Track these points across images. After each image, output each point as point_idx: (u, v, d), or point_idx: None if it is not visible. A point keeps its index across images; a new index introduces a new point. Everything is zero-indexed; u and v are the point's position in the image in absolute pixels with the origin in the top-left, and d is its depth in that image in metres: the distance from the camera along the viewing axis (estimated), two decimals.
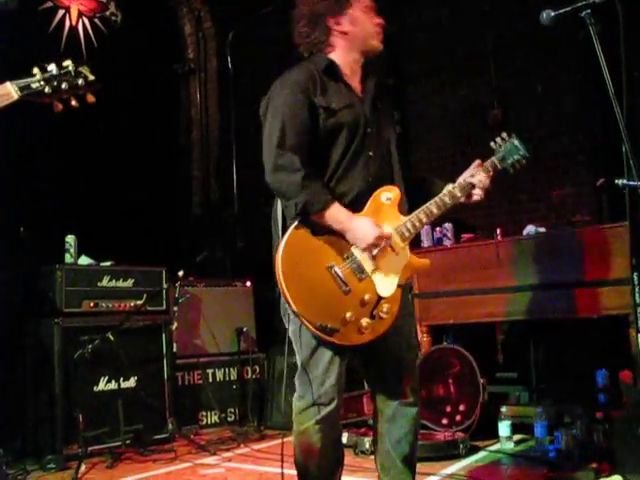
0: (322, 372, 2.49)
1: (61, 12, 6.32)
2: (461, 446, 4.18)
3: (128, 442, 4.67)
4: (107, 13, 6.70)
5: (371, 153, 2.62)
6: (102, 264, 5.12)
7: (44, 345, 4.64)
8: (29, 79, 2.08)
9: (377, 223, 2.51)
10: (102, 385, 4.81)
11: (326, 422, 2.50)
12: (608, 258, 4.15)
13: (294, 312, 2.40)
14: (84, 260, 5.12)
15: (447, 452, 4.13)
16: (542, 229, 4.64)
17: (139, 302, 5.06)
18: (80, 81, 2.12)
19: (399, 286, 2.54)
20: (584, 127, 5.46)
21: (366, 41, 2.70)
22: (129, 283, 5.12)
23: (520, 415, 4.52)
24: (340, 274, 2.45)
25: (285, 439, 4.93)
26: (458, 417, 4.57)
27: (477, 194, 2.71)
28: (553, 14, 2.71)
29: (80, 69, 2.14)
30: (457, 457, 4.12)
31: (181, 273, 5.29)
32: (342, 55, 2.70)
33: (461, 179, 2.71)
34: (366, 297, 2.47)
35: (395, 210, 2.59)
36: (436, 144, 6.24)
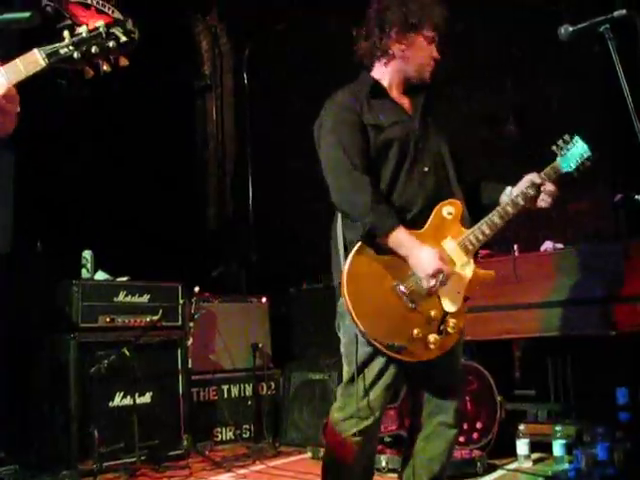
0: (369, 386, 2.49)
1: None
2: (478, 464, 4.14)
3: (143, 458, 4.66)
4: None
5: (426, 168, 2.61)
6: (118, 279, 5.12)
7: (60, 360, 4.64)
8: (57, 44, 1.92)
9: (441, 238, 2.51)
10: (117, 400, 4.80)
11: (364, 435, 2.51)
12: (631, 274, 4.11)
13: (361, 332, 2.40)
14: (100, 275, 5.13)
15: (464, 470, 4.09)
16: (560, 245, 4.60)
17: (155, 317, 5.06)
18: (112, 43, 1.98)
19: (464, 300, 2.53)
20: (603, 142, 5.41)
21: (418, 69, 2.71)
22: (145, 298, 5.12)
23: (538, 433, 4.47)
24: (405, 292, 2.45)
25: (300, 456, 4.93)
26: (475, 435, 4.52)
27: (544, 200, 2.67)
28: (571, 29, 2.68)
29: (112, 30, 1.98)
30: (474, 476, 4.09)
31: (197, 289, 5.31)
32: (391, 73, 2.71)
33: (523, 186, 2.66)
34: (432, 313, 2.47)
35: (457, 224, 2.58)
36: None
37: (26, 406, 4.73)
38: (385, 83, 2.71)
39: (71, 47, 1.93)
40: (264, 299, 6.09)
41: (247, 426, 5.66)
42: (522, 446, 4.29)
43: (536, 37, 5.61)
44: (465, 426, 4.60)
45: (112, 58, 2.01)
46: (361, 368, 2.50)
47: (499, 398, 4.41)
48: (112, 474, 4.53)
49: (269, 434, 5.55)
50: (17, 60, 1.88)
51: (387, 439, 4.50)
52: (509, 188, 2.70)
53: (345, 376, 2.57)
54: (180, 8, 7.29)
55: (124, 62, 2.04)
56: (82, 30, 1.95)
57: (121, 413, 4.76)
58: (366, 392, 2.49)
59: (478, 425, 4.56)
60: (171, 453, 4.93)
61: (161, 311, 5.11)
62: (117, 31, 1.98)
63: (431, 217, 2.57)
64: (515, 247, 4.66)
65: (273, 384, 5.84)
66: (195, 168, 7.62)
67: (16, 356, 4.68)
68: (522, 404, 4.85)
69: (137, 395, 4.84)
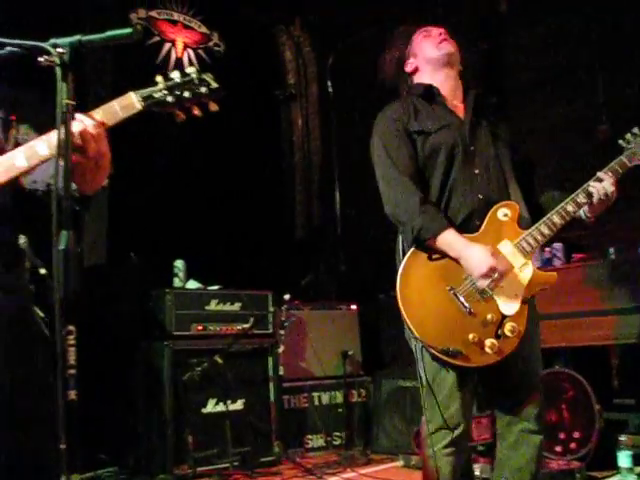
0: (446, 395, 2.46)
1: (167, 45, 6.57)
2: (577, 476, 4.00)
3: (236, 464, 4.73)
4: (210, 44, 6.92)
5: (477, 171, 2.59)
6: (210, 288, 5.22)
7: (155, 367, 4.76)
8: (152, 88, 1.99)
9: (497, 240, 2.47)
10: (210, 407, 4.88)
11: (454, 447, 2.47)
12: None
13: (415, 337, 2.39)
14: (192, 284, 5.24)
15: None
16: None
17: (246, 325, 5.13)
18: (203, 89, 2.02)
19: (523, 303, 2.47)
20: None
21: (433, 56, 2.75)
22: (236, 307, 5.20)
23: None
24: (460, 295, 2.42)
25: (392, 464, 4.88)
26: (573, 445, 4.37)
27: (601, 198, 2.57)
28: None
29: (203, 76, 2.02)
30: None
31: (287, 297, 5.36)
32: (431, 79, 2.76)
33: (585, 186, 2.60)
34: (489, 317, 2.42)
35: (514, 225, 2.54)
36: (541, 161, 6.06)
37: (124, 411, 4.87)
38: (437, 86, 2.75)
39: (165, 91, 2.00)
40: (354, 306, 6.08)
41: (338, 433, 5.66)
42: (624, 458, 4.11)
43: (624, 33, 5.44)
44: (562, 435, 4.46)
45: (203, 103, 2.05)
46: (434, 380, 2.47)
47: (597, 407, 4.26)
48: (206, 479, 4.61)
49: (360, 441, 5.54)
50: (114, 102, 1.96)
51: (480, 448, 4.41)
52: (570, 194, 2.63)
53: (422, 387, 2.54)
54: (264, 19, 7.40)
55: (214, 107, 2.06)
56: (175, 75, 2.01)
57: (214, 419, 4.84)
58: (446, 404, 2.45)
59: (575, 434, 4.41)
60: (263, 459, 4.98)
61: (252, 319, 5.17)
62: (208, 77, 2.03)
63: (486, 220, 2.52)
64: (611, 250, 4.51)
65: (364, 391, 5.82)
66: (282, 177, 7.70)
67: (113, 363, 4.82)
68: (621, 414, 4.66)
69: (229, 402, 4.91)
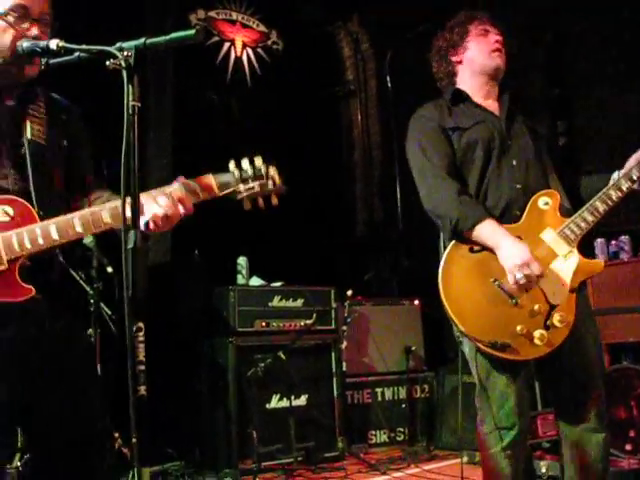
0: (500, 395, 2.42)
1: (227, 45, 6.64)
2: None
3: (300, 459, 4.76)
4: (269, 42, 6.97)
5: (514, 162, 2.58)
6: (272, 284, 5.27)
7: (219, 363, 4.83)
8: (227, 177, 2.10)
9: (539, 229, 2.44)
10: (274, 403, 4.93)
11: (512, 448, 2.43)
12: None
13: (461, 331, 2.37)
14: (255, 281, 5.29)
15: None
16: None
17: (309, 321, 5.16)
18: (270, 185, 2.13)
19: (571, 292, 2.43)
20: None
21: (482, 63, 2.73)
22: (299, 303, 5.23)
23: None
24: (505, 287, 2.39)
25: (456, 460, 4.85)
26: None
27: None
28: None
29: (270, 171, 2.14)
30: None
31: (349, 292, 5.36)
32: (469, 81, 2.75)
33: (628, 167, 2.54)
34: (536, 307, 2.39)
35: (556, 214, 2.51)
36: (605, 154, 5.92)
37: (190, 407, 4.95)
38: (467, 88, 2.74)
39: (240, 182, 2.11)
40: (416, 301, 6.05)
41: (401, 429, 5.64)
42: None
43: None
44: (631, 433, 4.35)
45: (267, 196, 2.16)
46: (486, 379, 2.44)
47: None
48: (270, 474, 4.66)
49: (423, 437, 5.52)
50: (196, 184, 2.07)
51: (546, 444, 4.35)
52: (616, 172, 2.56)
53: (477, 388, 2.51)
54: (322, 16, 7.41)
55: (275, 201, 2.17)
56: (246, 167, 2.12)
57: (278, 415, 4.88)
58: (500, 403, 2.42)
59: None
60: (326, 455, 5.00)
61: (315, 315, 5.20)
62: (274, 172, 2.14)
63: (527, 209, 2.50)
64: None
65: (427, 387, 5.79)
66: (343, 174, 7.70)
67: (178, 360, 4.91)
68: None
69: (293, 397, 4.95)
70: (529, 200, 2.51)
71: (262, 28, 6.92)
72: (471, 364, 2.51)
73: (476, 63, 2.73)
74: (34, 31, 2.06)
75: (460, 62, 2.77)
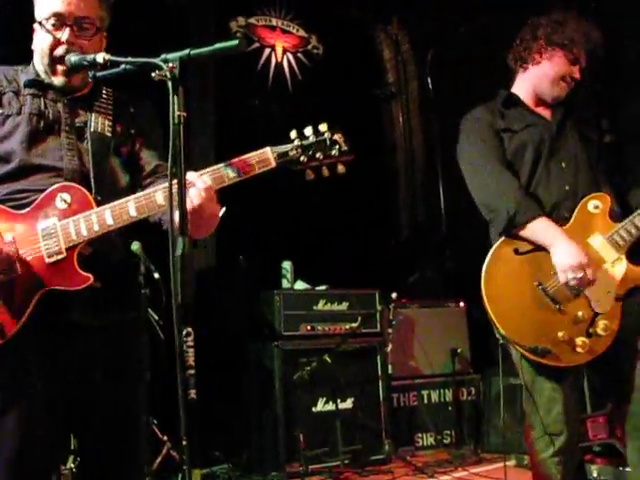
0: (547, 400, 2.39)
1: (267, 51, 6.69)
2: None
3: (346, 462, 4.77)
4: (309, 47, 7.00)
5: (563, 164, 2.55)
6: (317, 288, 5.29)
7: (265, 366, 4.86)
8: (287, 146, 2.04)
9: (587, 233, 2.41)
10: (320, 406, 4.94)
11: (562, 453, 2.40)
12: None
13: (502, 335, 2.35)
14: (300, 285, 5.32)
15: None
16: None
17: (354, 325, 5.16)
18: (334, 151, 2.05)
19: (617, 300, 2.39)
20: None
21: (552, 85, 2.70)
22: (344, 306, 5.24)
23: None
24: (549, 291, 2.36)
25: (503, 463, 4.80)
26: None
27: None
28: None
29: (335, 137, 2.06)
30: None
31: (394, 295, 5.35)
32: (528, 84, 2.74)
33: None
34: (579, 314, 2.36)
35: (605, 218, 2.47)
36: None
37: (237, 410, 5.00)
38: (522, 95, 2.72)
39: (299, 150, 2.04)
40: (461, 303, 6.01)
41: (448, 432, 5.60)
42: None
43: None
44: None
45: (332, 164, 2.08)
46: (532, 384, 2.41)
47: None
48: (317, 477, 4.67)
49: (470, 440, 5.49)
50: (251, 156, 2.03)
51: (597, 448, 4.27)
52: None
53: (524, 392, 2.49)
54: (361, 19, 7.41)
55: (342, 169, 2.09)
56: (309, 133, 2.06)
57: (324, 418, 4.89)
58: (547, 409, 2.39)
59: None
60: (373, 458, 5.00)
61: (360, 318, 5.20)
62: (339, 139, 2.07)
63: (576, 212, 2.46)
64: None
65: (473, 389, 5.75)
66: (385, 176, 7.69)
67: (224, 363, 4.96)
68: None
69: (339, 400, 4.95)
70: (578, 202, 2.48)
71: (302, 33, 6.95)
72: (518, 367, 2.49)
73: (540, 83, 2.71)
74: (65, 35, 2.12)
75: (540, 64, 2.71)
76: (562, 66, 2.67)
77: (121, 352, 2.15)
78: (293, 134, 2.07)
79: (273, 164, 2.03)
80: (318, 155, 2.05)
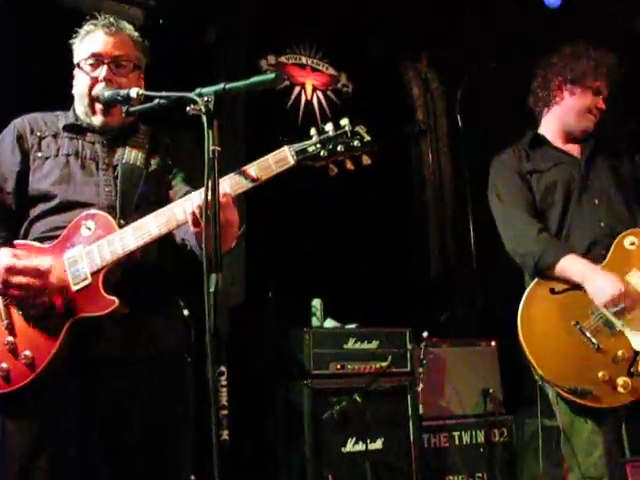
0: (586, 443, 2.33)
1: (297, 89, 6.75)
2: None
3: None
4: (339, 85, 7.05)
5: (596, 201, 2.53)
6: (347, 326, 5.24)
7: (294, 405, 4.81)
8: (305, 142, 1.99)
9: (625, 270, 2.36)
10: (350, 446, 4.86)
11: None
12: None
13: (540, 376, 2.30)
14: (329, 323, 5.28)
15: None
16: None
17: (384, 364, 5.10)
18: (356, 142, 1.99)
19: None
20: None
21: (578, 119, 2.73)
22: (374, 345, 5.18)
23: None
24: (587, 331, 2.31)
25: None
26: None
27: None
28: None
29: (357, 129, 2.00)
30: None
31: (425, 334, 5.29)
32: (554, 123, 2.76)
33: None
34: (619, 353, 2.31)
35: None
36: None
37: (266, 449, 4.94)
38: (549, 135, 2.74)
39: (318, 145, 1.99)
40: (493, 342, 5.92)
41: (480, 474, 5.48)
42: None
43: None
44: None
45: (356, 157, 2.03)
46: (570, 426, 2.34)
47: None
48: None
49: None
50: (268, 157, 2.02)
51: None
52: None
53: (562, 434, 2.42)
54: (390, 57, 7.46)
55: (367, 161, 2.05)
56: (329, 128, 2.01)
57: (354, 458, 4.81)
58: (586, 452, 2.32)
59: None
60: None
61: (390, 357, 5.14)
62: (361, 130, 2.02)
63: (612, 249, 2.42)
64: None
65: (506, 430, 5.63)
66: (415, 214, 7.66)
67: (254, 402, 4.91)
68: None
69: (369, 441, 4.87)
70: (614, 239, 2.44)
71: (332, 71, 7.01)
72: (554, 408, 2.43)
73: (566, 118, 2.74)
74: (102, 72, 2.16)
75: (563, 100, 2.74)
76: (585, 99, 2.69)
77: (158, 393, 2.12)
78: (312, 131, 2.02)
79: (292, 162, 1.99)
80: (340, 148, 1.99)
